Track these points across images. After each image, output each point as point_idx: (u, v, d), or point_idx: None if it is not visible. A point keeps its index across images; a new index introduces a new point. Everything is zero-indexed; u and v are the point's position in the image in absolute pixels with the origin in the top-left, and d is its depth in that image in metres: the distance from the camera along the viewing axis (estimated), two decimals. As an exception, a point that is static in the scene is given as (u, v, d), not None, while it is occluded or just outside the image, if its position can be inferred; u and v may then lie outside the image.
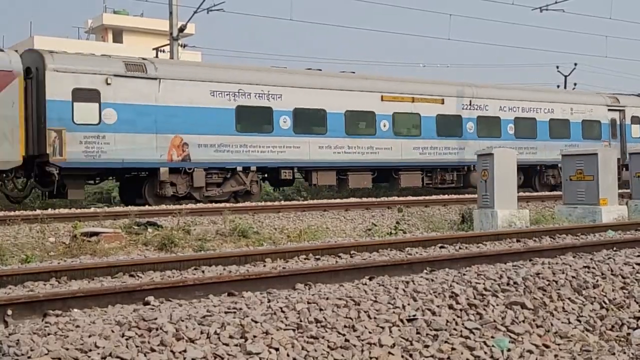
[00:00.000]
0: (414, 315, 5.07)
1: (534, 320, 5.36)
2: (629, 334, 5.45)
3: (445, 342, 4.83)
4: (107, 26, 47.67)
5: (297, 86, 20.68)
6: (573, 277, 6.18)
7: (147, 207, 16.70)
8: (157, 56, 30.72)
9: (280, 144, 20.13)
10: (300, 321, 4.79)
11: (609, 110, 27.34)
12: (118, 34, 47.97)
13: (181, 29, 25.52)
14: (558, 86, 35.80)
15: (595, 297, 5.92)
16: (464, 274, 6.17)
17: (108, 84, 17.60)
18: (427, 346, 4.75)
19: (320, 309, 4.99)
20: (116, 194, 21.46)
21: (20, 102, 16.82)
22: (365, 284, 6.13)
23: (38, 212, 14.59)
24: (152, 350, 4.24)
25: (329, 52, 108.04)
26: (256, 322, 4.66)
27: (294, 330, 4.68)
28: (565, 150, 19.95)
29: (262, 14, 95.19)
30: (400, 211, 17.14)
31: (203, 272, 8.26)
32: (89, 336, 4.33)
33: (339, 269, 7.57)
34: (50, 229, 12.72)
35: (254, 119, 19.90)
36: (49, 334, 4.43)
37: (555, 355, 4.96)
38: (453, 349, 4.77)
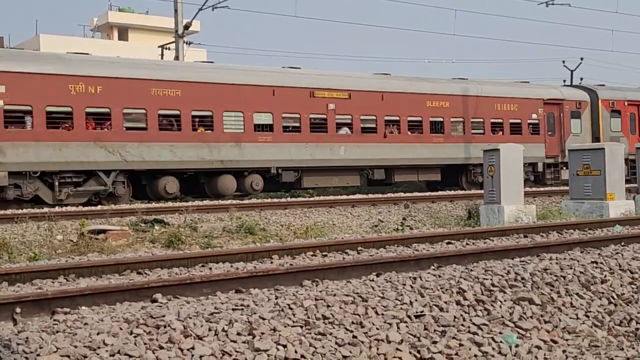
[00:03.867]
0: (422, 312, 5.07)
1: (542, 316, 5.35)
2: (637, 329, 5.44)
3: (453, 338, 4.82)
4: (112, 24, 47.75)
5: None
6: (581, 272, 6.16)
7: (153, 205, 16.74)
8: (162, 54, 30.74)
9: None
10: (308, 318, 4.79)
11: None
12: (123, 32, 48.04)
13: (186, 27, 25.53)
14: (564, 81, 35.58)
15: (603, 293, 5.90)
16: (471, 270, 6.16)
17: None
18: (435, 342, 4.75)
19: (328, 306, 4.99)
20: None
21: None
22: (373, 280, 6.12)
23: (46, 210, 14.66)
24: (160, 347, 4.25)
25: (334, 49, 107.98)
26: (264, 318, 4.66)
27: (301, 326, 4.68)
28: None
29: (266, 11, 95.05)
30: (407, 207, 17.14)
31: (210, 269, 8.27)
32: (97, 333, 4.34)
33: (346, 266, 7.57)
34: (58, 227, 12.76)
35: None
36: (57, 332, 4.45)
37: (564, 351, 4.95)
38: (461, 344, 4.76)
